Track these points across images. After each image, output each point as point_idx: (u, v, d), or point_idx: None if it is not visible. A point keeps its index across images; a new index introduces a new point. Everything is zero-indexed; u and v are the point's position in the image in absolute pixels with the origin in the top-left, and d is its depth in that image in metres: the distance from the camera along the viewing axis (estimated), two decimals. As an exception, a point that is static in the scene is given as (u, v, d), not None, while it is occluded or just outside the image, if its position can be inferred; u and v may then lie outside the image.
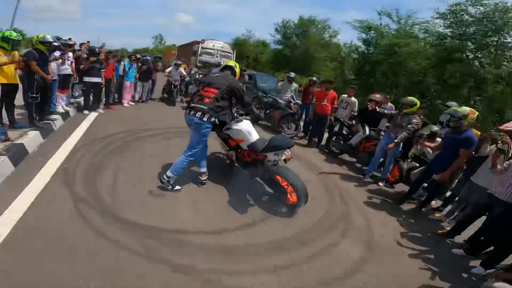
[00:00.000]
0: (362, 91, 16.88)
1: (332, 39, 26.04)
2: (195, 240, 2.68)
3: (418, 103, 4.64)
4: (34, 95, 4.47)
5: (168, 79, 9.37)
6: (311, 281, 2.50)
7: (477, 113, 3.72)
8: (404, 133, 4.53)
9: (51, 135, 4.68)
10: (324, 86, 6.75)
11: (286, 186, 3.38)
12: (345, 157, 6.44)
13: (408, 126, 4.50)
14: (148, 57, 8.80)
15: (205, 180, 3.76)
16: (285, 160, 3.58)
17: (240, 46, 29.04)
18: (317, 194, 4.27)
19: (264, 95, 8.50)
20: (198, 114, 3.18)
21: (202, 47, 16.23)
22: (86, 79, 6.29)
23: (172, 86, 9.10)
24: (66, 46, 5.78)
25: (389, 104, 6.47)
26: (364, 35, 20.34)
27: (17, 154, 3.52)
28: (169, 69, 9.52)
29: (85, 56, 6.41)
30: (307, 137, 7.32)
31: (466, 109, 3.70)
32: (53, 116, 5.32)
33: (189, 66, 15.45)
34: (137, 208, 3.01)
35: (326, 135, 7.08)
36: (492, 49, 14.81)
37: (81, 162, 3.84)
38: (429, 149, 4.66)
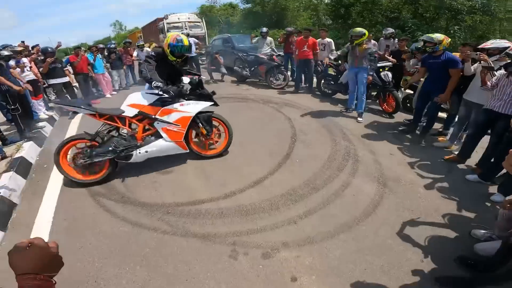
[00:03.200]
0: (342, 34, 16.56)
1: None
2: (211, 208, 2.80)
3: (367, 32, 4.93)
4: (13, 107, 4.38)
5: (139, 62, 9.18)
6: (334, 225, 2.51)
7: (449, 39, 3.89)
8: (371, 64, 4.88)
9: (46, 142, 4.65)
10: (304, 34, 6.81)
11: None
12: (339, 95, 6.59)
13: (371, 57, 4.85)
14: (114, 44, 8.50)
15: None
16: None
17: (208, 14, 27.62)
18: (318, 135, 4.42)
19: (245, 54, 8.60)
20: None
21: (167, 23, 15.31)
22: (51, 81, 6.00)
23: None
24: (16, 53, 5.52)
25: (372, 41, 6.68)
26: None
27: (22, 167, 3.54)
28: (134, 53, 9.22)
29: (41, 59, 6.03)
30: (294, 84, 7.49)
31: (439, 35, 3.84)
32: (40, 124, 5.24)
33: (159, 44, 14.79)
34: (151, 189, 3.13)
35: (315, 79, 7.20)
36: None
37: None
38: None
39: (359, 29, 4.99)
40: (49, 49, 5.97)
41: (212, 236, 2.42)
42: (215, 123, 3.74)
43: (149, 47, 10.02)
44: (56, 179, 3.41)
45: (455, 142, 4.07)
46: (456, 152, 3.77)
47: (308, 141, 4.26)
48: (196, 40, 9.40)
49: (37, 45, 7.51)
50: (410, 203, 2.83)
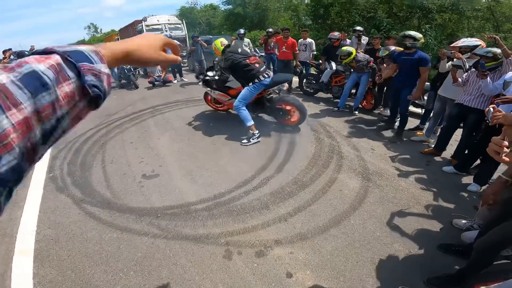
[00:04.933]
0: (321, 33, 17.02)
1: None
2: (201, 209, 2.79)
3: (354, 51, 5.17)
4: None
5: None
6: (324, 221, 2.59)
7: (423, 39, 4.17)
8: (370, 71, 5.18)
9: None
10: (283, 34, 6.96)
11: (289, 108, 4.42)
12: (320, 94, 6.78)
13: (367, 67, 5.12)
14: None
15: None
16: (288, 90, 3.83)
17: (188, 16, 27.52)
18: (302, 134, 4.53)
19: None
20: (270, 72, 4.19)
21: (146, 25, 14.91)
22: None
23: (126, 71, 8.77)
24: None
25: (348, 40, 7.06)
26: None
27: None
28: None
29: None
30: None
31: (419, 34, 4.07)
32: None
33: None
34: (137, 193, 3.07)
35: (295, 79, 7.32)
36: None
37: (64, 167, 3.74)
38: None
39: (345, 48, 5.15)
40: (26, 53, 5.73)
41: (204, 238, 2.42)
42: None
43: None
44: (35, 188, 3.26)
45: (431, 136, 4.27)
46: (433, 146, 3.96)
47: (293, 140, 4.34)
48: (178, 43, 9.25)
49: (10, 49, 7.11)
50: (393, 195, 2.96)
